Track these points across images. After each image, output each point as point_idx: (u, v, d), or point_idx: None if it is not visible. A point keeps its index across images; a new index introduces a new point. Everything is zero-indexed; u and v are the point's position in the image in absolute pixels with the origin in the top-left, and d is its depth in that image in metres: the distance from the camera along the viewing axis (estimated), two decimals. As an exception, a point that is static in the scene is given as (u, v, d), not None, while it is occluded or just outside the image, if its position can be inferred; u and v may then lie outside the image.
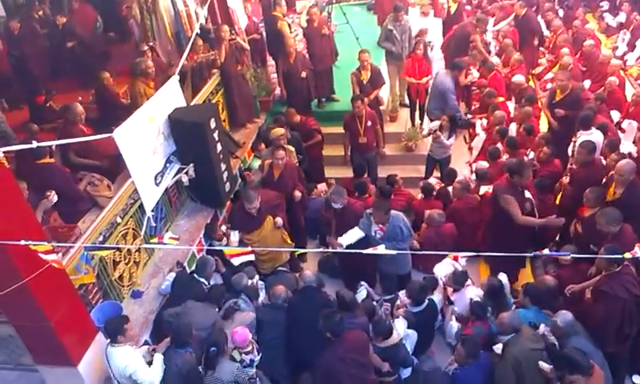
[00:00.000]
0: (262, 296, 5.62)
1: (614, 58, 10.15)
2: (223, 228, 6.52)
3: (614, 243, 4.62)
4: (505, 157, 7.09)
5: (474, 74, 9.18)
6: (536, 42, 10.58)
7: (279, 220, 6.32)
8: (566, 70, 8.35)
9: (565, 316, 4.47)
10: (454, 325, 5.37)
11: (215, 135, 5.94)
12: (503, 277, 5.60)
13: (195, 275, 5.42)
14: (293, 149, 7.08)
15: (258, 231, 6.28)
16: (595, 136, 6.60)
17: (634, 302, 4.50)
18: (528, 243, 5.91)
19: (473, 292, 5.50)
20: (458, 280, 5.55)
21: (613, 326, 4.54)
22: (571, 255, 4.72)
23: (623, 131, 7.66)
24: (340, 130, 7.96)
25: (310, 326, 4.53)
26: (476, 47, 9.18)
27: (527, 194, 5.87)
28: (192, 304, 4.84)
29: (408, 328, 5.05)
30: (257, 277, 5.80)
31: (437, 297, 5.52)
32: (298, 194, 6.68)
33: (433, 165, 7.91)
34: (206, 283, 5.35)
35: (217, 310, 5.02)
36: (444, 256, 5.91)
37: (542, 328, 4.72)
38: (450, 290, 5.67)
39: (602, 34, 12.36)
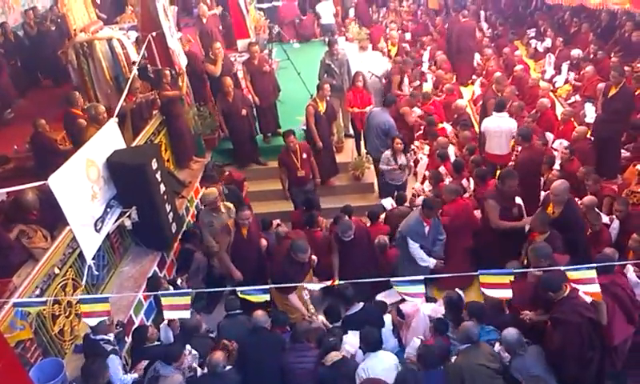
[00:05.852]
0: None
1: (542, 80, 10.75)
2: (179, 281, 6.17)
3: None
4: (448, 179, 7.31)
5: (417, 111, 9.49)
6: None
7: (315, 258, 6.09)
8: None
9: (509, 333, 4.47)
10: (416, 340, 5.32)
11: (158, 176, 5.84)
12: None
13: (90, 335, 4.78)
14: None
15: (305, 276, 5.88)
16: (507, 121, 7.41)
17: (591, 325, 4.41)
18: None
19: (427, 308, 5.54)
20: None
21: (573, 350, 4.43)
22: (514, 271, 4.80)
23: (556, 150, 8.06)
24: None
25: (261, 366, 4.43)
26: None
27: (518, 200, 6.30)
28: None
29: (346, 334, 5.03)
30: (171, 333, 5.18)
31: (388, 318, 5.52)
32: (264, 242, 6.46)
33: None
34: (109, 340, 4.79)
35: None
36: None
37: (497, 346, 4.74)
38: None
39: (529, 59, 13.05)
